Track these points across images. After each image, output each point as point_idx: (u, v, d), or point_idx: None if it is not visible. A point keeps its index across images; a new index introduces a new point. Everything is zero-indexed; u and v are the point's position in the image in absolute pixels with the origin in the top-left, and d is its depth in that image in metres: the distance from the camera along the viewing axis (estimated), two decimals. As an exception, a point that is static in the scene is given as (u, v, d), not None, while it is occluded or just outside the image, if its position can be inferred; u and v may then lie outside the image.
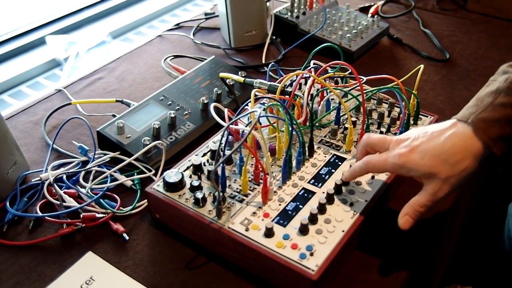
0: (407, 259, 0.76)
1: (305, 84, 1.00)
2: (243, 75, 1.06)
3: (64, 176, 0.85)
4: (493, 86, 0.70)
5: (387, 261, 0.75)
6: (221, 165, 0.76)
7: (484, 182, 1.00)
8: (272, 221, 0.72)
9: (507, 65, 0.72)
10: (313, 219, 0.71)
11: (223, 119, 0.78)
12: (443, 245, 0.89)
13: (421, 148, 0.68)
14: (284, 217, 0.72)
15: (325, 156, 0.83)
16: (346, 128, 0.87)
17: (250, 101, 0.80)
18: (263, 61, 1.23)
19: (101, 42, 1.61)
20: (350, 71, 0.83)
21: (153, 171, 0.87)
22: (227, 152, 0.80)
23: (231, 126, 0.73)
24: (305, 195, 0.76)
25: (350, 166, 0.79)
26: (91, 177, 0.87)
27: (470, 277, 0.97)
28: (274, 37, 1.32)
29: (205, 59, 1.15)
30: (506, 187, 0.97)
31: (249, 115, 0.80)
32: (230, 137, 0.81)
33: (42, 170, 0.88)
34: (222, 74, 1.01)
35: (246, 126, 0.78)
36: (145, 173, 0.87)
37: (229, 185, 0.78)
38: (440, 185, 0.67)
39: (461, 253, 0.80)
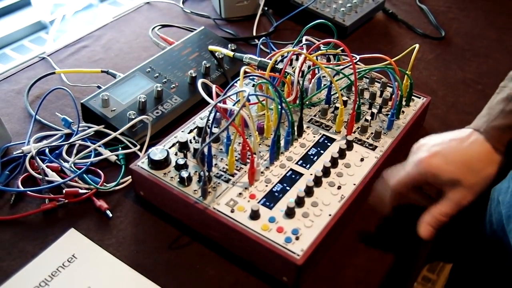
0: (392, 242, 0.76)
1: (297, 59, 0.98)
2: (233, 48, 1.04)
3: (47, 149, 0.83)
4: (503, 93, 0.70)
5: (373, 245, 0.75)
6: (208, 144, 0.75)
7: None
8: (258, 202, 0.71)
9: None
10: (299, 202, 0.70)
11: (211, 94, 0.76)
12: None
13: (443, 154, 0.67)
14: (271, 199, 0.71)
15: (314, 136, 0.82)
16: (336, 108, 0.86)
17: (239, 79, 0.77)
18: (254, 33, 1.20)
19: (88, 5, 1.56)
20: (342, 48, 0.81)
21: (138, 146, 0.85)
22: (214, 130, 0.78)
23: (218, 104, 0.71)
24: (293, 176, 0.75)
25: (340, 148, 0.78)
26: (74, 151, 0.85)
27: (452, 256, 0.98)
28: (266, 8, 1.29)
29: (194, 29, 1.12)
30: None
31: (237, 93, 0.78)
32: (217, 114, 0.80)
33: (24, 142, 0.86)
34: (211, 47, 0.98)
35: (234, 105, 0.76)
36: (130, 148, 0.85)
37: (215, 164, 0.76)
38: (465, 193, 0.66)
39: (445, 233, 0.80)
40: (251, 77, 0.93)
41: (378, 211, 0.73)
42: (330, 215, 0.70)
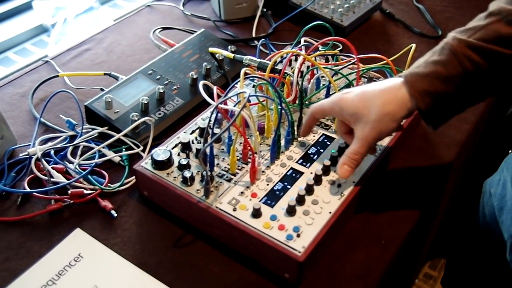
0: (392, 238, 0.77)
1: (296, 60, 0.99)
2: (233, 50, 1.05)
3: (52, 151, 0.85)
4: (436, 47, 0.73)
5: (372, 241, 0.76)
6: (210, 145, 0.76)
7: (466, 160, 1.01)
8: (260, 201, 0.72)
9: (454, 31, 0.74)
10: (300, 200, 0.72)
11: (212, 96, 0.78)
12: (431, 224, 0.90)
13: (356, 91, 0.72)
14: (272, 198, 0.73)
15: (314, 136, 0.83)
16: (335, 107, 0.87)
17: (239, 80, 0.79)
18: (254, 35, 1.22)
19: (89, 8, 1.57)
20: (340, 48, 0.82)
21: (141, 147, 0.87)
22: (216, 131, 0.80)
23: (220, 105, 0.73)
24: (293, 175, 0.77)
25: (339, 146, 0.79)
26: (79, 152, 0.87)
27: (447, 250, 1.00)
28: (265, 10, 1.30)
29: (195, 31, 1.13)
30: (481, 165, 1.00)
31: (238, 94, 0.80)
32: (219, 114, 0.81)
33: (29, 145, 0.87)
34: (211, 49, 1.00)
35: (235, 106, 0.78)
36: (133, 149, 0.86)
37: (217, 164, 0.78)
38: (368, 129, 0.70)
39: (443, 228, 0.82)
40: (251, 78, 0.95)
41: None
42: (330, 212, 0.71)
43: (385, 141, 0.83)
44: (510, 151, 0.65)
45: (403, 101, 0.69)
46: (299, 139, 0.81)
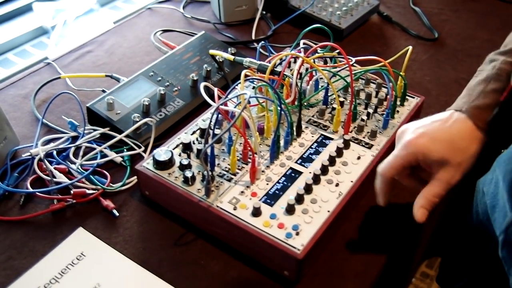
0: (390, 237, 0.78)
1: (295, 62, 1.01)
2: (233, 52, 1.07)
3: (55, 152, 0.86)
4: (482, 75, 0.73)
5: (370, 239, 0.78)
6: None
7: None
8: (260, 200, 0.74)
9: (494, 53, 0.75)
10: (299, 199, 0.73)
11: (213, 97, 0.79)
12: (427, 223, 0.91)
13: (429, 134, 0.68)
14: (272, 197, 0.74)
15: (312, 136, 0.85)
16: (334, 108, 0.89)
17: (239, 82, 0.80)
18: (253, 37, 1.23)
19: (89, 10, 1.58)
20: (338, 51, 0.84)
21: (143, 148, 0.88)
22: (217, 131, 0.81)
23: (221, 106, 0.74)
24: (292, 175, 0.78)
25: (337, 147, 0.81)
26: (81, 153, 0.88)
27: (442, 249, 1.01)
28: (264, 12, 1.32)
29: (195, 33, 1.14)
30: (477, 165, 1.01)
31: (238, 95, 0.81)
32: (219, 115, 0.82)
33: (32, 145, 0.88)
34: (212, 51, 1.01)
35: (235, 107, 0.79)
36: (135, 149, 0.88)
37: (218, 164, 0.79)
38: (453, 172, 0.68)
39: (439, 227, 0.83)
40: (251, 80, 0.96)
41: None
42: (328, 211, 0.72)
43: (382, 142, 0.84)
44: (502, 150, 0.67)
45: (479, 138, 0.69)
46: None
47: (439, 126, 0.69)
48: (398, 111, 0.90)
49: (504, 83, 0.69)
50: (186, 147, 0.81)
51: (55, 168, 0.83)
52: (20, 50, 1.35)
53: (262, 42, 1.13)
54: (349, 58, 0.85)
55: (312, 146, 0.83)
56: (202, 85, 0.83)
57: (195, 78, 0.99)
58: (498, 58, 0.73)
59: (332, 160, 0.79)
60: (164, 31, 1.19)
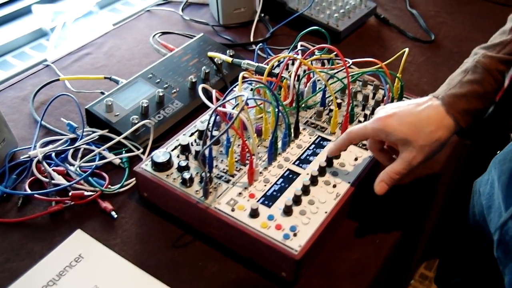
0: (387, 238, 0.79)
1: (293, 64, 1.01)
2: (231, 54, 1.07)
3: (53, 154, 0.86)
4: (463, 66, 0.76)
5: (368, 240, 0.78)
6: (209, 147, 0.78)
7: (459, 161, 1.03)
8: (257, 201, 0.74)
9: (478, 47, 0.78)
10: (297, 200, 0.73)
11: (211, 99, 0.79)
12: (425, 225, 0.92)
13: (399, 115, 0.72)
14: (269, 198, 0.74)
15: (310, 138, 0.85)
16: (331, 110, 0.89)
17: (237, 84, 0.80)
18: (251, 39, 1.24)
19: (88, 12, 1.58)
20: (335, 53, 0.84)
21: (141, 150, 0.88)
22: (215, 133, 0.82)
23: (219, 108, 0.75)
24: (290, 176, 0.78)
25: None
26: (79, 155, 0.88)
27: (440, 250, 1.02)
28: (262, 15, 1.32)
29: (194, 36, 1.15)
30: (472, 165, 1.02)
31: (236, 97, 0.81)
32: (217, 117, 0.83)
33: (30, 147, 0.88)
34: (210, 54, 1.01)
35: (233, 109, 0.79)
36: (133, 151, 0.88)
37: (216, 165, 0.79)
38: (415, 153, 0.71)
39: (437, 229, 0.84)
40: (249, 82, 0.96)
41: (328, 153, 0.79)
42: (326, 212, 0.73)
43: (380, 143, 0.84)
44: (498, 151, 0.68)
45: (448, 125, 0.72)
46: (327, 156, 0.80)
47: (411, 109, 0.73)
48: (395, 113, 0.91)
49: (480, 75, 0.72)
50: (185, 149, 0.81)
51: (53, 170, 0.84)
52: (19, 52, 1.35)
53: (260, 44, 1.13)
54: (346, 60, 0.86)
55: (310, 148, 0.83)
56: (200, 87, 0.83)
57: (193, 80, 1.00)
58: (479, 51, 0.77)
59: (329, 162, 0.79)
60: (163, 33, 1.19)
